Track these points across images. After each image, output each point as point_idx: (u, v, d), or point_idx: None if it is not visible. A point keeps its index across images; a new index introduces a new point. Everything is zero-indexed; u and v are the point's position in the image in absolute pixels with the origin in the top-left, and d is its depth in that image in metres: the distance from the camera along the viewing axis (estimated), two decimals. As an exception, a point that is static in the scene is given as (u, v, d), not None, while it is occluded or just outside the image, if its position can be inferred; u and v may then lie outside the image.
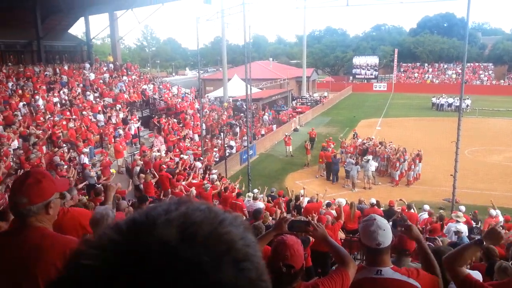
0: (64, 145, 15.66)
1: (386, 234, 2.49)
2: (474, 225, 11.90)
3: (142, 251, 0.55)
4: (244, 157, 22.43)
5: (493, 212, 11.73)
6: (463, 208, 12.62)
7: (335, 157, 20.59)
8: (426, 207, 12.92)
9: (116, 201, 7.92)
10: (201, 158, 19.68)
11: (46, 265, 2.01)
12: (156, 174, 14.29)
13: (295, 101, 45.82)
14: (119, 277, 0.53)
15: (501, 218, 11.75)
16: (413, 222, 11.23)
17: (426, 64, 71.33)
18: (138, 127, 21.81)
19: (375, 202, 12.38)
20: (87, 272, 0.55)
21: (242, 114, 31.32)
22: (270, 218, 8.11)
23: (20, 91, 19.92)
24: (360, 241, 2.63)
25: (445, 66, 69.74)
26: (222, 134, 23.32)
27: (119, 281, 0.53)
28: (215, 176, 15.94)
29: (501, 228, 2.63)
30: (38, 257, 2.02)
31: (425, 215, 12.26)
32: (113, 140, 18.18)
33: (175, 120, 24.61)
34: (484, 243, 2.62)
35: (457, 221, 10.63)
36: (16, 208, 2.10)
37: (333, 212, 11.15)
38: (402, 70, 70.83)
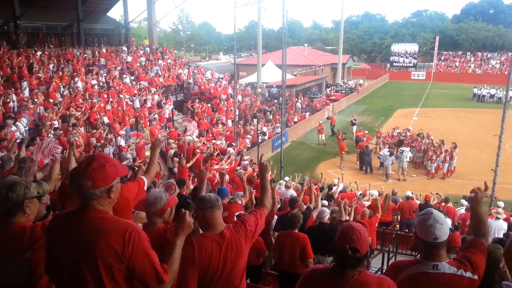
0: (106, 122, 16.07)
1: (443, 228, 2.48)
2: (514, 222, 11.46)
3: None
4: (276, 144, 22.37)
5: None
6: (501, 203, 12.14)
7: (367, 148, 20.17)
8: (464, 202, 12.51)
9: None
10: (234, 143, 19.75)
11: (106, 248, 2.10)
12: (192, 159, 14.41)
13: (329, 88, 45.13)
14: None
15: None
16: (450, 217, 10.94)
17: (468, 53, 68.51)
18: (172, 111, 22.09)
19: (411, 195, 12.10)
20: None
21: (275, 101, 31.16)
22: (305, 207, 8.06)
23: (60, 73, 20.50)
24: (415, 235, 2.61)
25: (489, 56, 66.75)
26: (255, 120, 23.29)
27: None
28: (247, 162, 15.96)
29: None
30: (98, 239, 2.10)
31: (462, 210, 11.88)
32: (148, 124, 18.49)
33: (208, 105, 24.76)
34: None
35: (497, 218, 10.24)
36: (79, 190, 2.18)
37: (367, 203, 10.97)
38: (442, 59, 68.34)
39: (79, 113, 16.41)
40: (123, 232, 2.12)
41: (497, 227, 10.08)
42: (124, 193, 3.35)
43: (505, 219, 10.70)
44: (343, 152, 21.11)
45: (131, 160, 13.78)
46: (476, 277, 2.51)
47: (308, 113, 31.56)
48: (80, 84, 20.01)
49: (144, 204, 3.29)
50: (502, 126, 13.59)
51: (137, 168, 10.29)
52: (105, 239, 2.09)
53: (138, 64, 26.90)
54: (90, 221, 2.15)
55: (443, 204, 11.97)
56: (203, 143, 17.89)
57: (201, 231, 2.85)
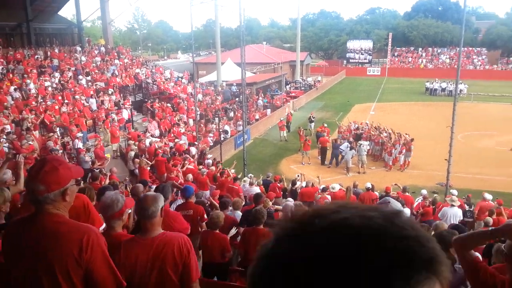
0: (58, 129, 15.50)
1: None
2: (467, 209, 12.06)
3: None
4: (238, 141, 22.39)
5: (487, 195, 11.85)
6: (455, 191, 12.74)
7: (335, 142, 20.56)
8: (424, 191, 13.02)
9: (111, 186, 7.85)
10: (196, 143, 19.62)
11: (62, 252, 2.04)
12: (148, 161, 14.22)
13: (289, 85, 45.63)
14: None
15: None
16: (408, 206, 11.37)
17: (420, 49, 71.22)
18: (131, 112, 21.62)
19: (370, 187, 12.47)
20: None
21: (236, 99, 31.16)
22: (270, 203, 8.13)
23: (10, 75, 19.58)
24: None
25: (439, 51, 69.71)
26: (217, 118, 23.19)
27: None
28: (210, 161, 15.91)
29: None
30: (54, 243, 2.04)
31: (420, 200, 12.38)
32: (109, 125, 18.03)
33: (168, 104, 24.42)
34: (498, 235, 2.62)
35: (452, 205, 10.74)
36: (33, 195, 2.10)
37: (328, 197, 11.21)
38: (395, 55, 70.67)
39: (33, 116, 15.75)
40: (81, 236, 2.06)
41: (453, 214, 10.59)
42: (82, 199, 3.26)
43: (460, 206, 11.27)
44: (300, 149, 21.39)
45: (90, 163, 13.42)
46: None
47: (269, 109, 31.78)
48: (32, 86, 19.20)
49: (100, 208, 3.19)
50: (453, 118, 14.21)
51: (96, 170, 10.05)
52: (62, 243, 2.03)
53: (94, 65, 26.13)
54: (45, 225, 2.07)
55: (401, 193, 12.44)
56: (165, 143, 17.65)
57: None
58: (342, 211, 0.62)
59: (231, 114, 27.77)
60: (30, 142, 12.82)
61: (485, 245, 5.42)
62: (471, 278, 2.69)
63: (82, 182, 8.62)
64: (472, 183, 16.77)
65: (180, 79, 31.83)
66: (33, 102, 17.38)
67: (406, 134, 20.78)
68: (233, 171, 14.61)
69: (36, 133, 14.88)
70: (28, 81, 19.35)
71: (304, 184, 13.01)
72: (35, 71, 21.20)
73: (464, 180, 17.27)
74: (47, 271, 2.03)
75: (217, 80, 36.44)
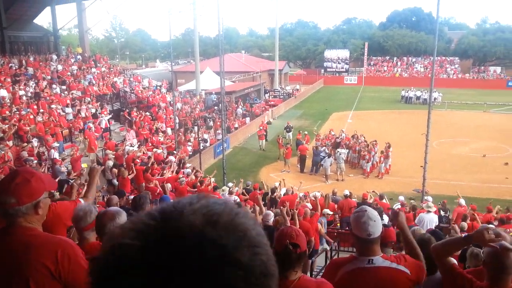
0: (33, 139, 15.14)
1: (376, 224, 2.55)
2: (443, 215, 12.32)
3: (172, 233, 0.65)
4: (218, 150, 22.33)
5: (462, 201, 12.14)
6: (430, 198, 13.00)
7: (316, 149, 20.74)
8: (401, 198, 13.24)
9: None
10: (175, 152, 19.48)
11: (36, 265, 1.97)
12: (133, 169, 14.00)
13: (268, 94, 45.88)
14: (154, 254, 0.62)
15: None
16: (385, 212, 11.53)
17: (395, 58, 72.75)
18: (108, 121, 21.32)
19: (348, 194, 12.61)
20: (128, 250, 0.63)
21: (215, 108, 31.13)
22: (250, 211, 8.14)
23: (-17, 84, 19.09)
24: (351, 232, 2.69)
25: (413, 60, 71.36)
26: (196, 127, 23.11)
27: (155, 257, 0.62)
28: (189, 170, 15.81)
29: (489, 232, 2.50)
30: (27, 257, 1.97)
31: (398, 206, 12.57)
32: (88, 133, 17.72)
33: (147, 113, 24.21)
34: (472, 241, 2.70)
35: (428, 211, 10.96)
36: (3, 208, 2.01)
37: (309, 204, 11.27)
38: (372, 64, 71.96)
39: (7, 125, 15.37)
40: (55, 248, 2.00)
41: (429, 220, 10.79)
42: (56, 210, 3.19)
43: (435, 212, 11.52)
44: (279, 157, 21.58)
45: (66, 173, 13.15)
46: (409, 272, 2.55)
47: (248, 118, 31.84)
48: (6, 95, 18.76)
49: (73, 221, 3.13)
50: (428, 125, 14.56)
51: (72, 181, 9.85)
52: (36, 257, 1.96)
53: (70, 73, 25.71)
54: (17, 239, 2.00)
55: (378, 200, 12.61)
56: (143, 152, 17.45)
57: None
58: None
59: (210, 123, 27.72)
60: (3, 152, 12.50)
61: (460, 250, 5.57)
62: (448, 283, 2.74)
63: (58, 193, 8.45)
64: (447, 189, 17.14)
65: (158, 87, 31.62)
66: (7, 112, 16.97)
67: (386, 143, 20.97)
68: (213, 179, 14.56)
69: (10, 143, 14.51)
70: (2, 90, 18.91)
71: (283, 191, 13.06)
72: (9, 79, 20.73)
73: (440, 186, 17.66)
74: (20, 285, 1.96)
75: (196, 88, 36.36)
